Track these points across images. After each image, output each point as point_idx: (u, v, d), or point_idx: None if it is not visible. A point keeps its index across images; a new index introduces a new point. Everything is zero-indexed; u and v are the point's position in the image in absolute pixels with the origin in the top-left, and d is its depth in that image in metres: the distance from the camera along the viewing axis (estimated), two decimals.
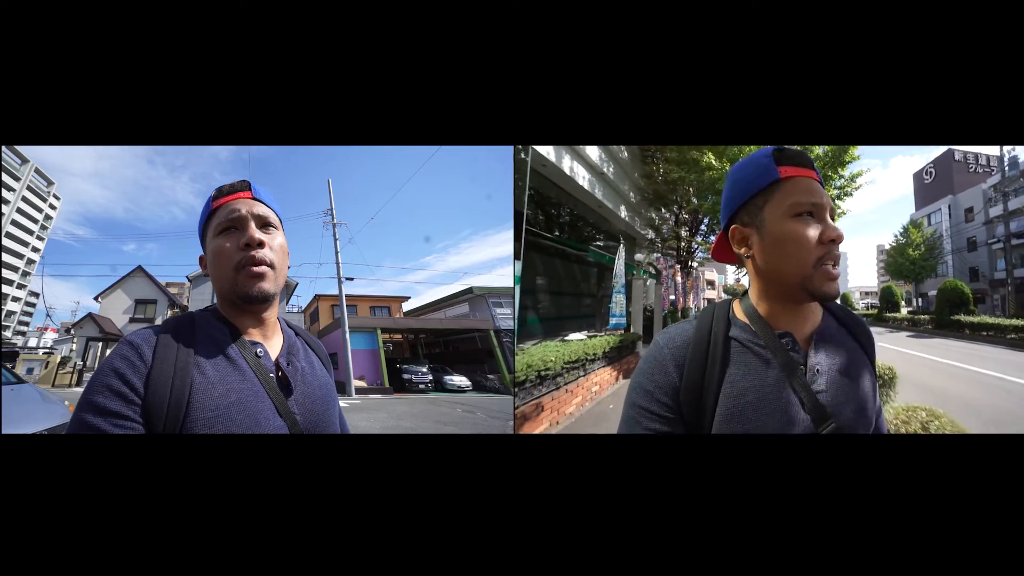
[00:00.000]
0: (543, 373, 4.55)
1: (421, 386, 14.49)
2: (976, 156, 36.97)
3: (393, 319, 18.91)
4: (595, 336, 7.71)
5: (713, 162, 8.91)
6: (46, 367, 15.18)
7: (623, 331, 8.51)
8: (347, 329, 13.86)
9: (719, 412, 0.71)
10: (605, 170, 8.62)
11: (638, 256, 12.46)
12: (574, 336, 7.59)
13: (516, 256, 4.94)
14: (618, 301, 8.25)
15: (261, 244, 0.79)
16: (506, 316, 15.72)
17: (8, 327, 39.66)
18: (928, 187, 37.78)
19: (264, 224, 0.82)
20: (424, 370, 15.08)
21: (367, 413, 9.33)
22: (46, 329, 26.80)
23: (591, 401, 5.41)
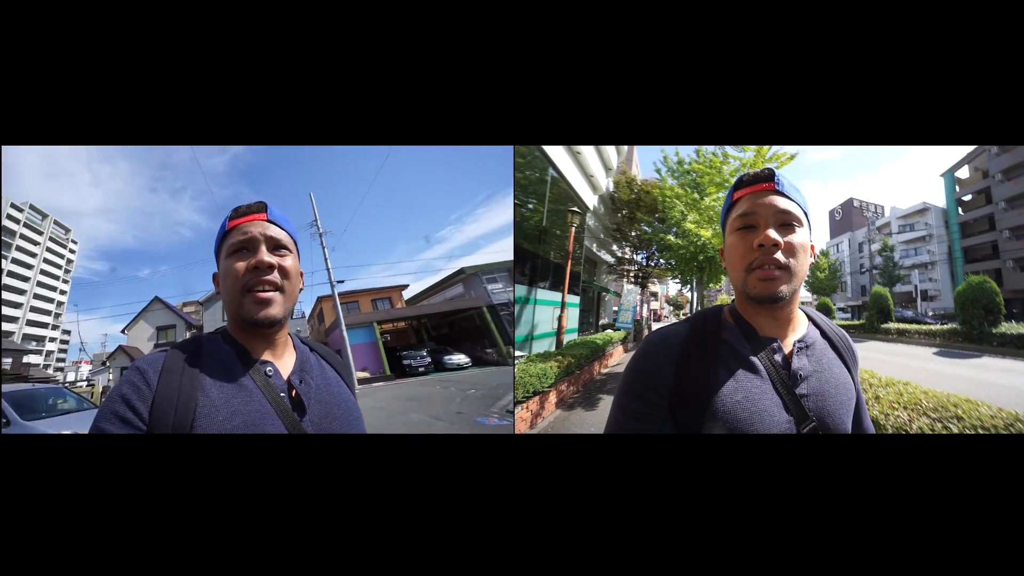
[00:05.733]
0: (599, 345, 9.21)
1: (420, 369, 15.25)
2: (870, 205, 53.49)
3: (388, 311, 19.55)
4: (615, 330, 14.51)
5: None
6: (91, 396, 16.64)
7: (624, 331, 15.15)
8: (344, 327, 14.38)
9: (708, 410, 0.73)
10: (588, 222, 14.27)
11: (605, 277, 19.74)
12: (607, 331, 14.46)
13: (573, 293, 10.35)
14: (624, 315, 15.61)
15: (271, 267, 0.78)
16: (499, 291, 16.69)
17: (49, 366, 42.78)
18: (837, 223, 52.53)
19: (276, 246, 0.80)
20: (423, 354, 15.89)
21: (360, 400, 9.95)
22: (80, 362, 28.57)
23: (616, 358, 11.42)
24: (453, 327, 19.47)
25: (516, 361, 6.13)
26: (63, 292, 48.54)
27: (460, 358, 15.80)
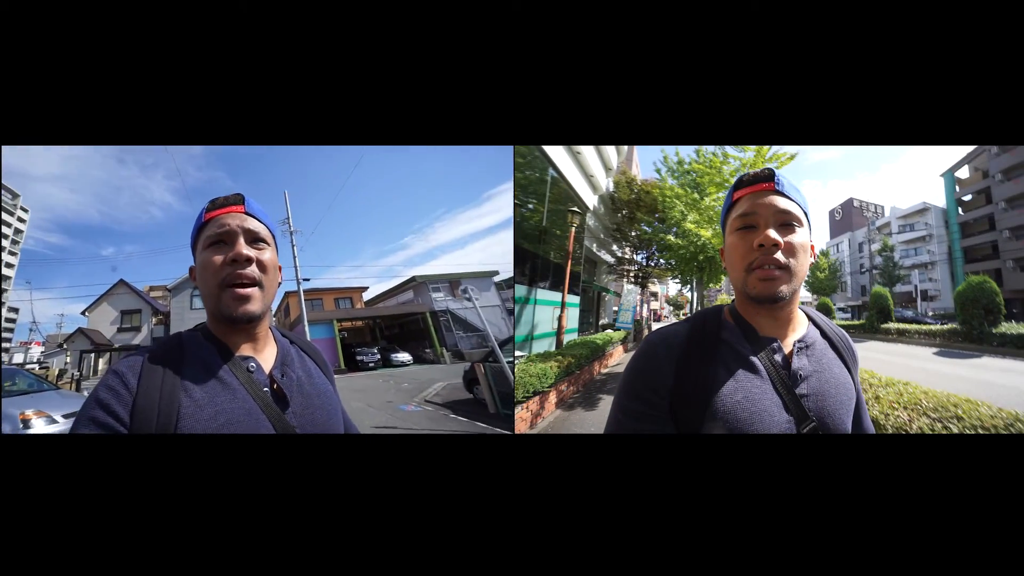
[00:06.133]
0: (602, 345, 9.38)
1: (371, 364, 17.03)
2: (870, 205, 53.59)
3: (347, 310, 21.72)
4: (615, 331, 14.60)
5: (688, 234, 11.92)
6: (46, 380, 15.67)
7: (624, 331, 15.28)
8: (306, 323, 16.06)
9: (708, 410, 0.73)
10: (588, 222, 14.49)
11: (605, 277, 20.02)
12: (607, 331, 14.58)
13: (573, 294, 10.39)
14: (624, 315, 16.02)
15: (249, 260, 0.76)
16: (440, 299, 19.55)
17: None
18: (837, 223, 53.01)
19: (254, 239, 0.79)
20: (374, 351, 17.73)
21: None
22: (30, 343, 26.49)
23: (616, 358, 11.65)
24: (402, 328, 21.52)
25: (516, 361, 6.16)
26: (9, 265, 43.50)
27: (404, 356, 17.89)
